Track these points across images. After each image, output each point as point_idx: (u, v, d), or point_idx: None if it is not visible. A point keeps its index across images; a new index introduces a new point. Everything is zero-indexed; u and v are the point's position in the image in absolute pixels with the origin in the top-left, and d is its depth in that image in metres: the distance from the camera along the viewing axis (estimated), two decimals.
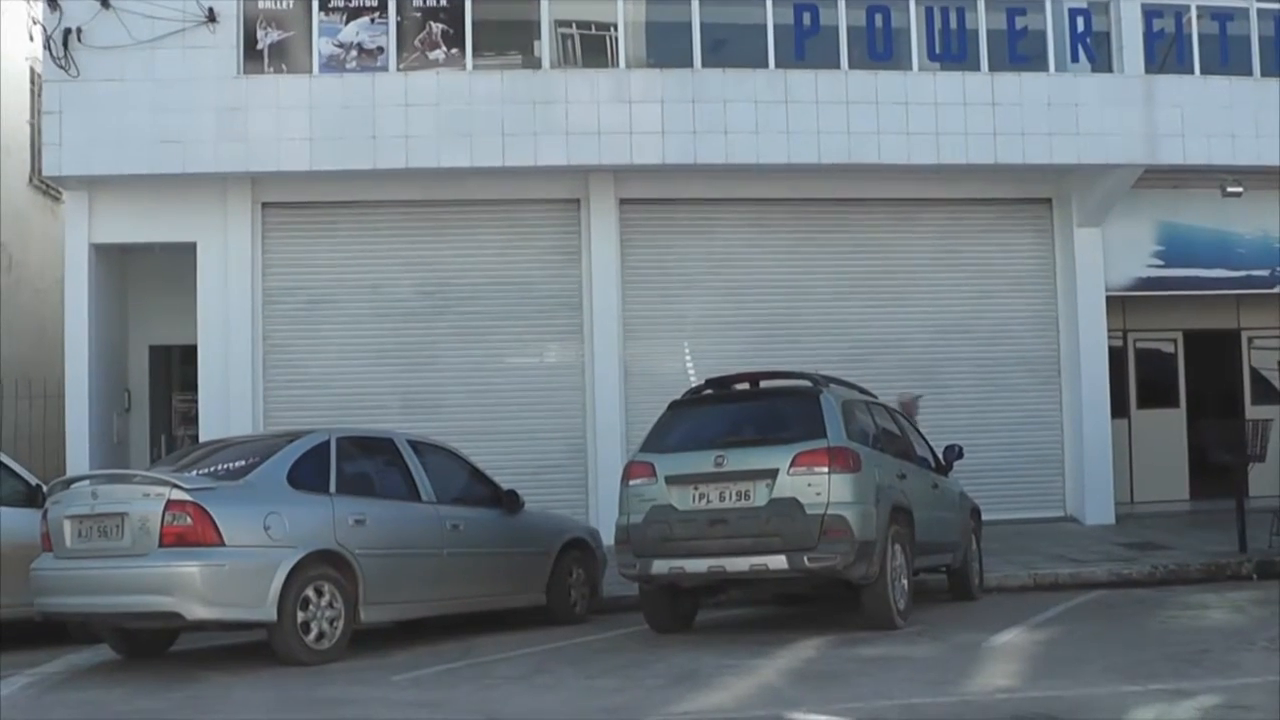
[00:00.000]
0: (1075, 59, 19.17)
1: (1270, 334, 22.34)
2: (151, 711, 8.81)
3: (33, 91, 21.80)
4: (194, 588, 10.22)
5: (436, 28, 18.44)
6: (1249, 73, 19.47)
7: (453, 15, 18.40)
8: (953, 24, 18.98)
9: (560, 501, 17.44)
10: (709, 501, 11.55)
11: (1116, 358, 21.11)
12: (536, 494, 15.29)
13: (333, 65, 18.23)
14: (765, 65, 18.57)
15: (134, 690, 9.68)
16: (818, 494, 11.25)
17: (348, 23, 18.35)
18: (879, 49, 18.83)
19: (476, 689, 9.30)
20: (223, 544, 10.34)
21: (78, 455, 17.67)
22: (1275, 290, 20.84)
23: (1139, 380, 22.26)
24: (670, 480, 11.71)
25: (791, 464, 11.36)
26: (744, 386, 13.05)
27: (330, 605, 10.83)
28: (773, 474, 11.35)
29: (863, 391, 13.45)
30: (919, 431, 14.29)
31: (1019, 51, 19.08)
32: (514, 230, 19.30)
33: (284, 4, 18.29)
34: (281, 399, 18.61)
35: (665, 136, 18.02)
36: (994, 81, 18.68)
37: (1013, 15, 19.19)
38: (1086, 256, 19.88)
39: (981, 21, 19.13)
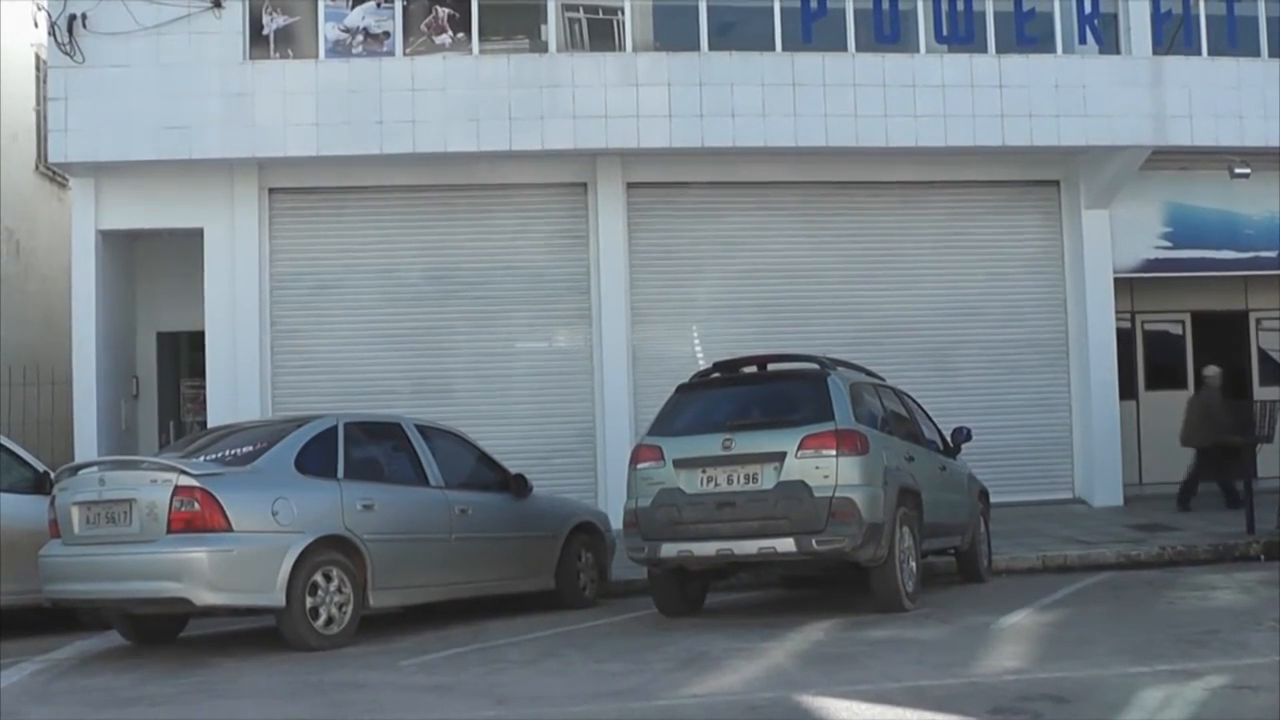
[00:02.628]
0: (1083, 40, 19.11)
1: (1278, 315, 22.28)
2: (161, 697, 8.84)
3: (38, 78, 21.79)
4: (202, 573, 10.24)
5: (443, 12, 18.42)
6: (1257, 53, 19.41)
7: None
8: (960, 6, 18.91)
9: (568, 485, 17.44)
10: (717, 484, 11.55)
11: (1124, 339, 21.06)
12: (545, 478, 15.30)
13: (339, 50, 18.21)
14: (772, 48, 18.54)
15: (143, 676, 9.70)
16: (825, 476, 11.25)
17: (353, 7, 18.33)
18: (886, 31, 18.77)
19: (485, 673, 9.31)
20: (230, 529, 10.35)
21: (86, 441, 17.68)
22: None
23: (1147, 362, 22.22)
24: (678, 463, 11.71)
25: (799, 446, 11.36)
26: (752, 369, 13.05)
27: (339, 590, 10.85)
28: (780, 457, 11.35)
29: (870, 374, 13.44)
30: (927, 414, 14.28)
31: (1026, 33, 19.01)
32: (521, 214, 19.28)
33: None
34: (290, 384, 18.62)
35: (672, 120, 17.99)
36: (1001, 63, 18.63)
37: None
38: (1094, 238, 19.84)
39: (988, 3, 19.10)
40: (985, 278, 20.14)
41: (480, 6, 18.36)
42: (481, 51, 18.34)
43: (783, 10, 18.66)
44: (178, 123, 17.46)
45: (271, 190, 18.77)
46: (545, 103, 17.87)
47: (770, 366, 13.05)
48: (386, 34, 18.28)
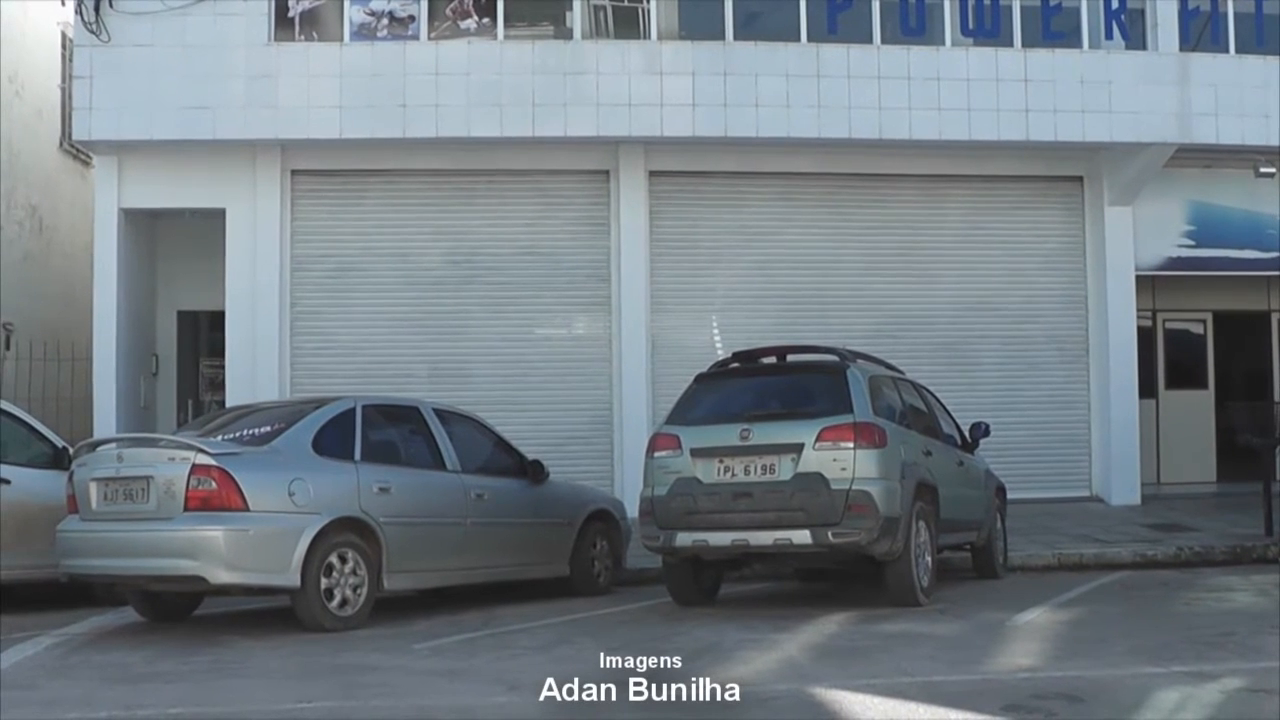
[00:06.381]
0: (1109, 36, 19.01)
1: None
2: (174, 674, 8.85)
3: (64, 56, 21.85)
4: (218, 552, 10.26)
5: None
6: None
7: None
8: (986, 0, 18.84)
9: (585, 473, 17.43)
10: (734, 475, 11.53)
11: (1145, 338, 21.00)
12: (562, 465, 15.30)
13: (364, 34, 18.21)
14: (797, 39, 18.48)
15: (158, 653, 9.73)
16: (843, 469, 11.22)
17: None
18: (912, 24, 18.70)
19: (497, 659, 9.31)
20: (247, 509, 10.37)
21: (105, 418, 17.74)
22: None
23: (1167, 361, 22.14)
24: (695, 453, 11.69)
25: (817, 439, 11.33)
26: (771, 360, 13.02)
27: (353, 572, 10.87)
28: (798, 448, 11.33)
29: (890, 367, 13.41)
30: (945, 408, 14.25)
31: (1053, 28, 18.92)
32: (543, 201, 19.28)
33: None
34: (308, 366, 18.64)
35: (696, 109, 17.96)
36: (1027, 58, 18.55)
37: None
38: (1117, 235, 19.77)
39: None
40: (1006, 273, 20.08)
41: None
42: (506, 37, 18.32)
43: (808, 1, 18.60)
44: (201, 103, 17.47)
45: (294, 172, 18.78)
46: (569, 90, 17.85)
47: (789, 358, 13.03)
48: (411, 18, 18.27)
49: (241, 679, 8.75)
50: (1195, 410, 21.80)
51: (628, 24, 19.24)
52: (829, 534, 11.20)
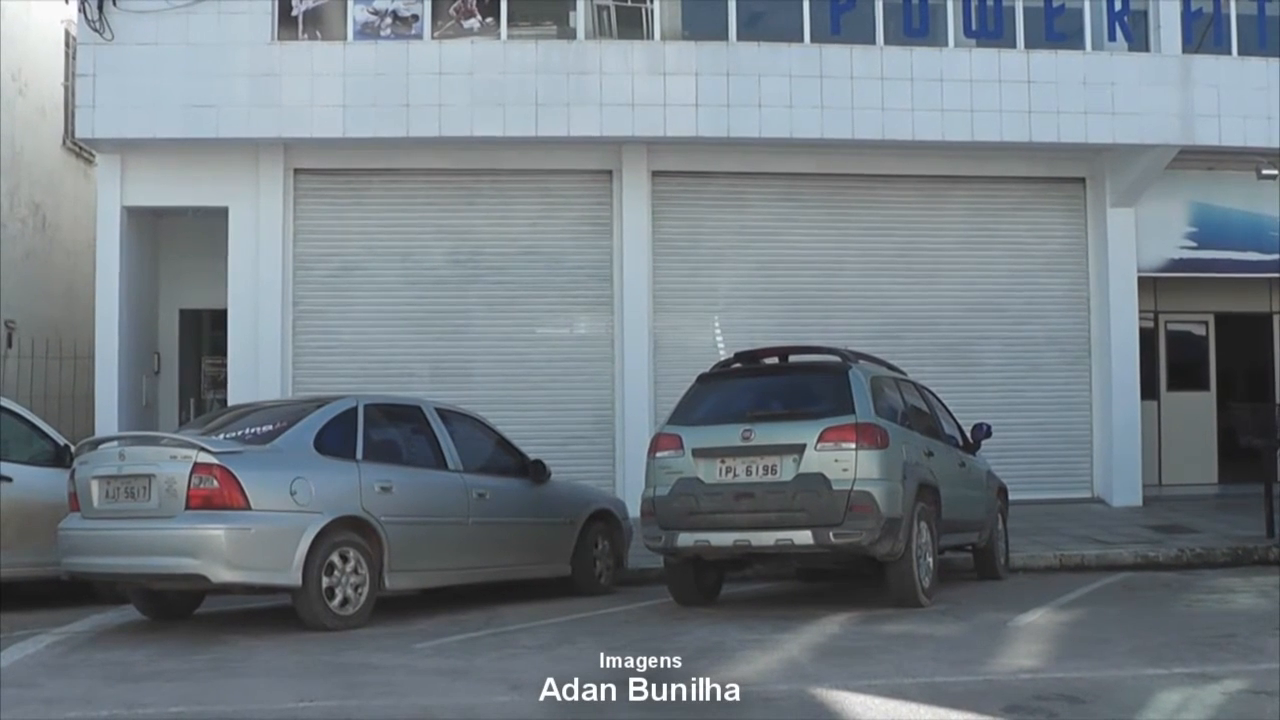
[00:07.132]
0: (1112, 38, 19.02)
1: None
2: (175, 673, 8.85)
3: (67, 54, 21.85)
4: (219, 551, 10.26)
5: None
6: None
7: None
8: (989, 1, 18.83)
9: (587, 472, 17.43)
10: (736, 475, 11.53)
11: (1147, 339, 20.99)
12: (563, 464, 15.29)
13: (367, 33, 18.21)
14: (800, 39, 18.48)
15: (159, 651, 9.73)
16: (845, 470, 11.22)
17: None
18: (915, 25, 18.70)
19: (499, 658, 9.31)
20: (248, 508, 10.37)
21: (106, 416, 17.74)
22: None
23: (1169, 362, 22.11)
24: (697, 453, 11.69)
25: (819, 439, 11.33)
26: (773, 361, 13.03)
27: (355, 571, 10.86)
28: (800, 449, 11.33)
29: (892, 368, 13.41)
30: (947, 409, 14.25)
31: (1056, 29, 18.91)
32: (546, 200, 19.28)
33: None
34: (310, 365, 18.65)
35: (699, 109, 17.96)
36: (1030, 59, 18.55)
37: None
38: (1119, 237, 19.77)
39: None
40: (1008, 274, 20.08)
41: None
42: (509, 37, 18.33)
43: (811, 2, 18.60)
44: (205, 101, 17.48)
45: (297, 171, 18.79)
46: (572, 90, 17.85)
47: (791, 358, 13.03)
48: (415, 17, 18.27)
49: (243, 678, 8.75)
50: (1197, 411, 21.79)
51: (631, 24, 19.25)
52: (830, 534, 11.20)
